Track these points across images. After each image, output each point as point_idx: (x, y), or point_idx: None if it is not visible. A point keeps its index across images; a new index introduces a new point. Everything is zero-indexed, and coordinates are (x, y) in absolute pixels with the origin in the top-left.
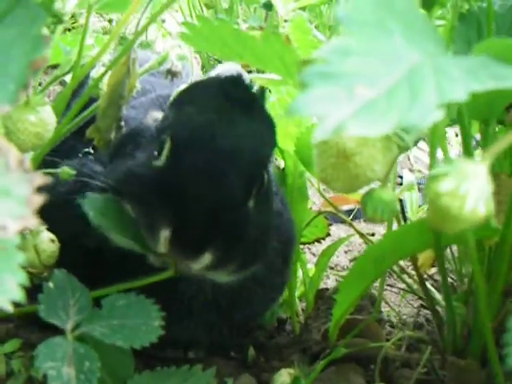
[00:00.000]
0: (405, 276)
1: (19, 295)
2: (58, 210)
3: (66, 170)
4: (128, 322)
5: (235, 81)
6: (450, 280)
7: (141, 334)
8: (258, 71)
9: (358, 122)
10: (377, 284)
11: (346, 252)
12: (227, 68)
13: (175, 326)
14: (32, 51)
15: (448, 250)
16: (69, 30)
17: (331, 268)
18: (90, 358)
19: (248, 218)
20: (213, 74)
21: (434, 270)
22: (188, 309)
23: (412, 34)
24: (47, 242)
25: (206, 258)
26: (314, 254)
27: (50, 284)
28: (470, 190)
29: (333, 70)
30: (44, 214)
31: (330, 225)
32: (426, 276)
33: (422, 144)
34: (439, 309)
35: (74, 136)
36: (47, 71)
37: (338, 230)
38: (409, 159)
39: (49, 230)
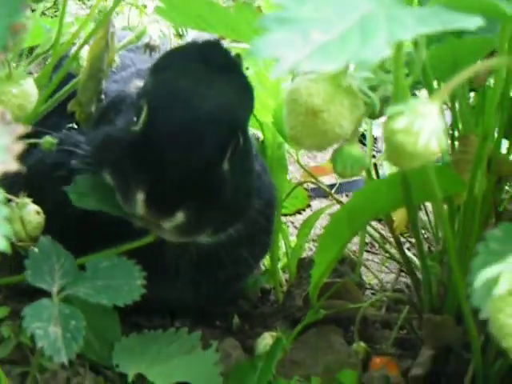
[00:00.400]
0: (384, 243)
1: (4, 245)
2: (45, 180)
3: (48, 140)
4: (111, 282)
5: (213, 46)
6: (427, 243)
7: (124, 293)
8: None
9: (312, 62)
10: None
11: (318, 242)
12: (199, 35)
13: (162, 286)
14: (11, 14)
15: (424, 212)
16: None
17: (314, 240)
18: (76, 317)
19: (222, 179)
20: (186, 40)
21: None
22: (174, 268)
23: None
24: (33, 213)
25: (179, 217)
26: (296, 228)
27: (36, 250)
28: (423, 127)
29: (290, 16)
30: (31, 183)
31: (310, 196)
32: (403, 239)
33: None
34: (416, 271)
35: (58, 112)
36: (28, 54)
37: (320, 204)
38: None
39: (36, 198)
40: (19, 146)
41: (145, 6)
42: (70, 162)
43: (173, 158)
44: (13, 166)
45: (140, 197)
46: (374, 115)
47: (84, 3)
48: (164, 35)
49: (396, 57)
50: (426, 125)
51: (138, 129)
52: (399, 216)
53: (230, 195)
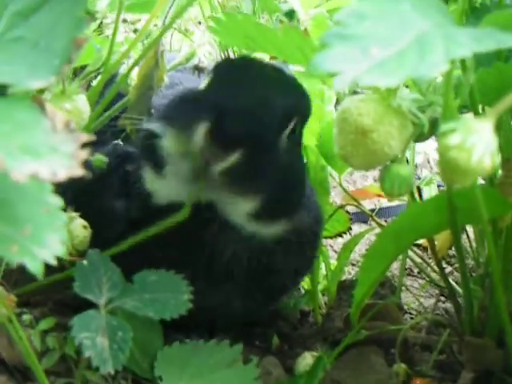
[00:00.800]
0: (424, 266)
1: (62, 251)
2: (97, 186)
3: (99, 158)
4: (158, 295)
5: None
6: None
7: (170, 306)
8: None
9: (371, 77)
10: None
11: (367, 250)
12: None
13: (211, 292)
14: (75, 29)
15: (465, 236)
16: None
17: (353, 264)
18: (123, 328)
19: (278, 148)
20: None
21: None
22: (225, 274)
23: (421, 5)
24: (80, 227)
25: (234, 157)
26: (335, 252)
27: (84, 262)
28: (476, 143)
29: (350, 32)
30: (81, 196)
31: (351, 219)
32: (444, 263)
33: None
34: (457, 294)
35: (102, 129)
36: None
37: (359, 229)
38: (428, 162)
39: (86, 210)
40: (84, 154)
41: (187, 30)
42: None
43: (237, 106)
44: (78, 171)
45: (203, 128)
46: (420, 138)
47: (129, 25)
48: (211, 58)
49: (446, 78)
50: (479, 141)
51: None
52: (442, 239)
53: (284, 172)
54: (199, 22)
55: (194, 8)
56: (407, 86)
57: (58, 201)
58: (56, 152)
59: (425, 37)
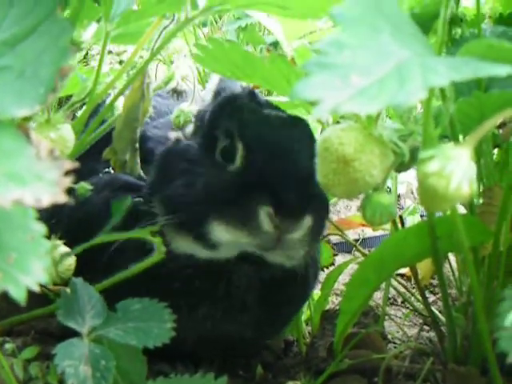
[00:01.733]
0: (408, 295)
1: (44, 278)
2: (95, 220)
3: (82, 186)
4: (142, 324)
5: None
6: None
7: (153, 335)
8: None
9: (352, 104)
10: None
11: (345, 290)
12: (222, 81)
13: (227, 319)
14: (60, 59)
15: (447, 265)
16: None
17: (336, 294)
18: (106, 357)
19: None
20: (210, 86)
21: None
22: (241, 303)
23: (400, 35)
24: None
25: (308, 221)
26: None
27: (67, 290)
28: (455, 171)
29: (330, 61)
30: (79, 223)
31: (336, 255)
32: (427, 292)
33: None
34: (440, 322)
35: (94, 158)
36: (62, 103)
37: (343, 259)
38: (412, 192)
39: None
40: (67, 181)
41: (172, 62)
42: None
43: (282, 174)
44: (62, 198)
45: (264, 212)
46: (401, 167)
47: (114, 56)
48: (188, 80)
49: (426, 108)
50: (457, 168)
51: (236, 167)
52: (424, 268)
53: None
54: (184, 55)
55: (180, 40)
56: (389, 117)
57: (41, 228)
58: (40, 179)
59: (404, 66)
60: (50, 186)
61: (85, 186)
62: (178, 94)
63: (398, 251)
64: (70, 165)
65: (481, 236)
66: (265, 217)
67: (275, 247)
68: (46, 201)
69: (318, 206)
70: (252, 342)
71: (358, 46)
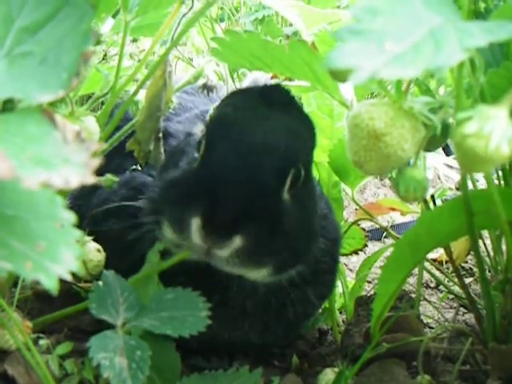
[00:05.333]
0: (442, 278)
1: (76, 266)
2: (111, 218)
3: (109, 178)
4: (176, 313)
5: (273, 87)
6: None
7: (189, 324)
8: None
9: (389, 70)
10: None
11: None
12: (257, 76)
13: (229, 327)
14: (82, 44)
15: (482, 245)
16: None
17: (368, 282)
18: (141, 348)
19: (282, 208)
20: (245, 83)
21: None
22: (242, 309)
23: (431, 2)
24: (94, 251)
25: (236, 242)
26: (351, 270)
27: (100, 283)
28: (493, 130)
29: (363, 28)
30: (96, 221)
31: (367, 236)
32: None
33: (452, 161)
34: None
35: (121, 154)
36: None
37: (373, 247)
38: (439, 178)
39: (101, 237)
40: (96, 162)
41: (191, 59)
42: (137, 202)
43: (228, 183)
44: (90, 179)
45: (195, 222)
46: (430, 146)
47: (133, 57)
48: (221, 76)
49: (458, 77)
50: (496, 128)
51: (196, 164)
52: (459, 247)
53: (292, 229)
54: (203, 51)
55: (198, 37)
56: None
57: (70, 216)
58: (68, 162)
59: (437, 30)
60: (78, 168)
61: (111, 178)
62: (208, 89)
63: (433, 229)
64: (97, 146)
65: None
66: (195, 228)
67: (207, 260)
68: (75, 182)
69: (262, 226)
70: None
71: (390, 13)
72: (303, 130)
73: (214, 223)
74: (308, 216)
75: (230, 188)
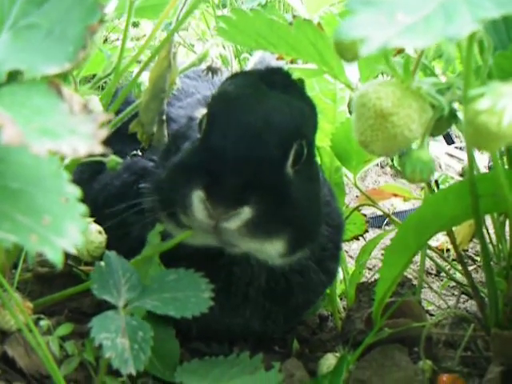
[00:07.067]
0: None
1: (81, 240)
2: (113, 202)
3: (113, 159)
4: (178, 294)
5: (275, 69)
6: None
7: (191, 305)
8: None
9: (400, 40)
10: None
11: (384, 251)
12: (264, 56)
13: (231, 313)
14: (88, 16)
15: (485, 231)
16: None
17: (369, 269)
18: (143, 328)
19: (287, 181)
20: (251, 62)
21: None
22: (244, 296)
23: None
24: (95, 233)
25: (245, 212)
26: (351, 257)
27: (102, 264)
28: (507, 106)
29: None
30: (98, 205)
31: (368, 222)
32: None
33: (453, 150)
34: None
35: (121, 140)
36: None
37: (374, 235)
38: (440, 167)
39: (103, 219)
40: (103, 133)
41: (192, 45)
42: (138, 186)
43: (230, 156)
44: (98, 149)
45: (197, 196)
46: (436, 130)
47: (134, 41)
48: (225, 60)
49: (467, 55)
50: (509, 104)
51: (196, 141)
52: (462, 232)
53: (300, 203)
54: (206, 38)
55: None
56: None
57: (75, 190)
58: (74, 133)
59: (448, 3)
60: (85, 139)
61: (115, 160)
62: (212, 72)
63: (437, 212)
64: (104, 117)
65: None
66: (197, 201)
67: (215, 237)
68: (83, 151)
69: (269, 196)
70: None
71: None
72: (304, 109)
73: (219, 193)
74: (314, 195)
75: (232, 160)
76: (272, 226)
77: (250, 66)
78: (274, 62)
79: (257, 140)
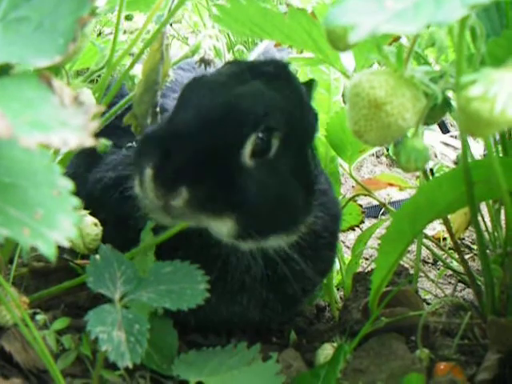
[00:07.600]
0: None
1: (74, 233)
2: (107, 194)
3: (103, 142)
4: (174, 286)
5: (270, 61)
6: None
7: (187, 297)
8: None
9: (389, 26)
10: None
11: (381, 238)
12: (268, 46)
13: (227, 303)
14: (78, 9)
15: (479, 219)
16: None
17: (365, 259)
18: (140, 321)
19: (236, 168)
20: (255, 52)
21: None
22: (240, 284)
23: None
24: (91, 225)
25: (183, 193)
26: (348, 247)
27: (97, 257)
28: (499, 93)
29: None
30: (93, 198)
31: (364, 212)
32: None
33: (449, 139)
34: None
35: (116, 133)
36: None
37: (370, 224)
38: (435, 156)
39: (98, 211)
40: (94, 125)
41: (186, 38)
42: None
43: (180, 138)
44: (89, 141)
45: (148, 174)
46: (430, 119)
47: (126, 34)
48: (218, 52)
49: (458, 43)
50: (501, 90)
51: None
52: (458, 220)
53: (252, 193)
54: (199, 31)
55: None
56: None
57: (67, 183)
58: (65, 125)
59: None
60: (76, 131)
61: (105, 143)
62: (205, 63)
63: (432, 200)
64: (96, 109)
65: None
66: (148, 179)
67: (165, 213)
68: (73, 144)
69: (210, 181)
70: (272, 319)
71: None
72: (284, 102)
73: (163, 173)
74: (289, 189)
75: (181, 142)
76: (215, 207)
77: (253, 56)
78: (279, 54)
79: (210, 124)
